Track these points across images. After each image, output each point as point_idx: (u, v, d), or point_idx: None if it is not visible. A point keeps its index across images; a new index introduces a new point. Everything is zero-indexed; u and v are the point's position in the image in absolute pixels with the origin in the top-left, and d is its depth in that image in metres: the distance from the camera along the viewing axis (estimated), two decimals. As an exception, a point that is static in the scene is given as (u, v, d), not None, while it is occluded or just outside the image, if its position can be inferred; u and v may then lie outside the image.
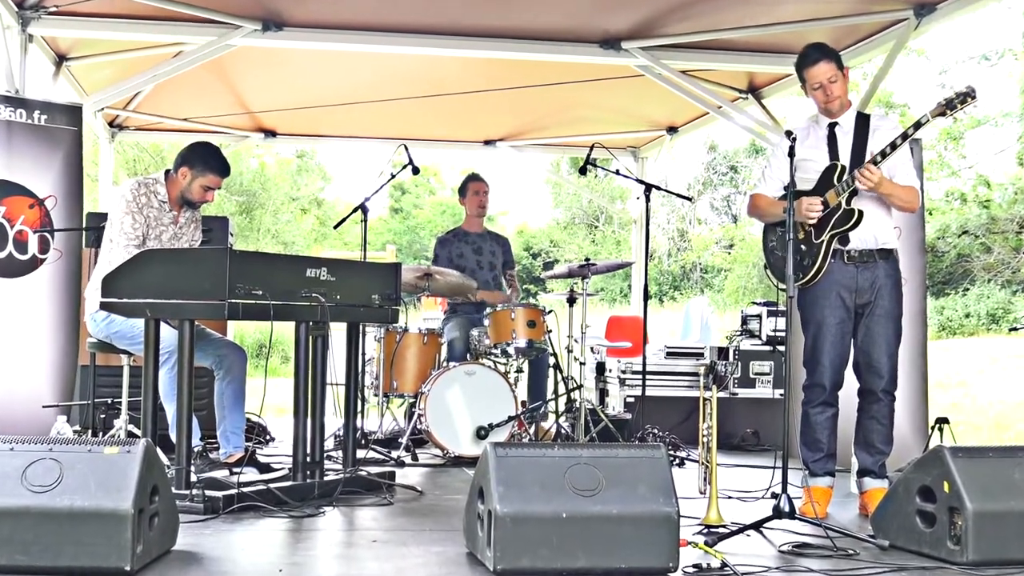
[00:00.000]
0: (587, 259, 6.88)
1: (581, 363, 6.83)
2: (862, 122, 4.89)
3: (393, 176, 7.04)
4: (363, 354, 6.74)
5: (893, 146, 4.57)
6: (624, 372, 7.92)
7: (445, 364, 6.76)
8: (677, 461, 6.49)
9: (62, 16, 6.70)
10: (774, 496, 4.29)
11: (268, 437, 7.21)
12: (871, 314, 4.82)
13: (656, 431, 6.95)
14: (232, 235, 7.13)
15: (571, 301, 6.97)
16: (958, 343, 20.01)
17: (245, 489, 4.52)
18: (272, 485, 4.66)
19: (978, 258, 23.83)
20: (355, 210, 7.00)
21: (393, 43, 7.07)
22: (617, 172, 7.68)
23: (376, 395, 6.93)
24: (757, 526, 4.22)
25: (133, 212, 5.32)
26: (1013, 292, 22.61)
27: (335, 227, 8.03)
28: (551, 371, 7.09)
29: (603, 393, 8.31)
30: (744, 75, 8.01)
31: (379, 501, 4.88)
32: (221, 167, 5.57)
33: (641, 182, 7.43)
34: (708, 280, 30.65)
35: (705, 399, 4.67)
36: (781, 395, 7.64)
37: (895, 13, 6.48)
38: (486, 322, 6.84)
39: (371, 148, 10.94)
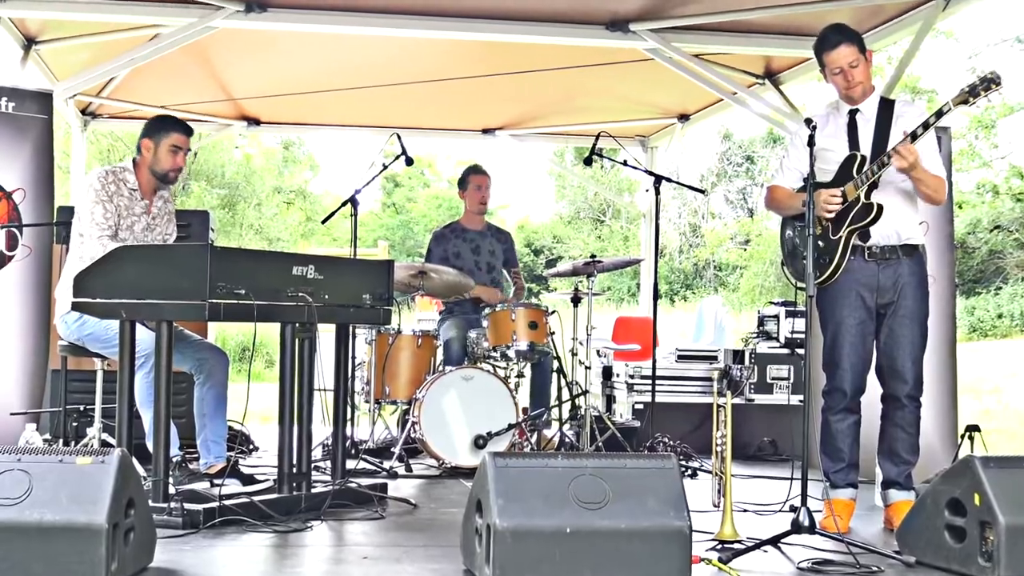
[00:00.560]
0: (593, 256, 6.87)
1: (586, 367, 6.83)
2: (885, 109, 4.88)
3: (385, 167, 7.03)
4: (353, 358, 6.73)
5: (914, 136, 4.56)
6: (632, 377, 7.93)
7: (441, 368, 6.76)
8: (689, 472, 6.49)
9: (31, -5, 6.71)
10: (793, 509, 4.29)
11: (251, 446, 7.21)
12: (894, 314, 4.82)
13: (667, 440, 6.94)
14: (213, 230, 7.12)
15: (576, 301, 6.97)
16: (990, 345, 20.02)
17: (227, 502, 4.52)
18: (256, 498, 4.67)
19: (1011, 254, 23.84)
20: (344, 204, 6.99)
21: (385, 25, 7.07)
22: (625, 163, 7.68)
23: (367, 402, 6.94)
24: (775, 541, 4.22)
25: (103, 201, 5.33)
26: (1049, 291, 22.64)
27: (323, 222, 8.01)
28: (554, 376, 7.09)
29: (610, 399, 8.31)
30: (761, 59, 8.02)
31: (370, 515, 4.88)
32: (182, 126, 5.62)
33: (651, 173, 7.43)
34: (722, 278, 30.67)
35: (719, 406, 4.67)
36: (800, 401, 7.62)
37: (922, -8, 6.49)
38: (485, 323, 6.84)
39: (362, 137, 10.95)
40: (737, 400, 7.73)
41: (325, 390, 5.35)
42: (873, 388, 4.95)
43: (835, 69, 4.84)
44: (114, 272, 4.51)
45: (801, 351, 7.69)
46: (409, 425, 6.47)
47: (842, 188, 4.76)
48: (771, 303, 8.76)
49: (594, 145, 6.93)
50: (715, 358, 8.17)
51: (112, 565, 3.30)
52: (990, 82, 4.38)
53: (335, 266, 5.04)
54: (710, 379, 7.87)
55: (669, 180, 7.34)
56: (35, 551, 3.26)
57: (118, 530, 3.36)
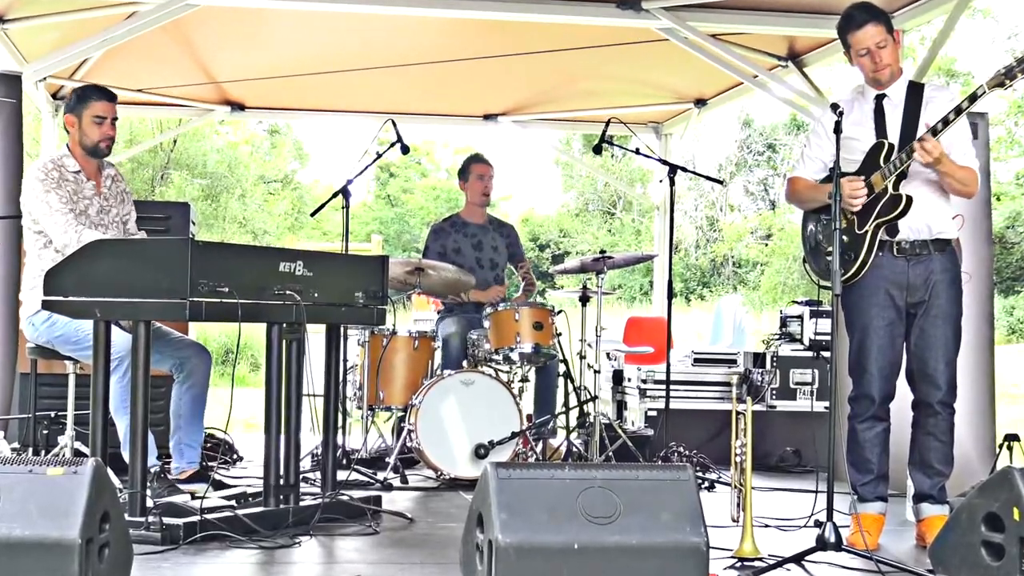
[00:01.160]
0: (602, 251, 6.88)
1: (596, 371, 6.84)
2: (914, 93, 4.88)
3: (379, 156, 7.04)
4: (345, 361, 6.74)
5: (946, 122, 4.55)
6: (645, 382, 7.93)
7: (439, 372, 6.76)
8: (706, 484, 6.50)
9: (-2, -29, 6.72)
10: (818, 524, 4.30)
11: (235, 456, 7.22)
12: (925, 314, 4.83)
13: (682, 449, 6.95)
14: (194, 223, 7.14)
15: (584, 300, 6.98)
16: (1030, 348, 20.01)
17: (209, 516, 4.53)
18: (240, 511, 4.67)
19: (1054, 250, 23.84)
20: (335, 195, 7.01)
21: (380, 1, 7.06)
22: (637, 151, 7.68)
23: (360, 408, 6.94)
24: (798, 559, 4.23)
25: (53, 189, 5.36)
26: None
27: (312, 214, 8.04)
28: (561, 380, 7.10)
29: (621, 406, 8.32)
30: (783, 39, 8.00)
31: (363, 530, 4.89)
32: (102, 91, 5.64)
33: (665, 163, 7.43)
34: (742, 276, 30.67)
35: (738, 413, 4.67)
36: (826, 408, 7.64)
37: (957, -33, 6.49)
38: (486, 324, 6.85)
39: (354, 123, 10.96)
40: (758, 407, 7.72)
41: (314, 395, 5.36)
42: (903, 394, 4.95)
43: (861, 50, 4.84)
44: (87, 268, 4.52)
45: (827, 354, 7.69)
46: (405, 433, 6.48)
47: (867, 178, 4.75)
48: (794, 302, 8.75)
49: (604, 132, 6.93)
50: (734, 361, 8.17)
51: (85, 583, 3.31)
52: (1029, 63, 4.37)
53: (325, 262, 5.04)
54: (729, 384, 7.86)
55: (684, 170, 7.34)
56: (2, 568, 3.26)
57: (92, 546, 3.36)
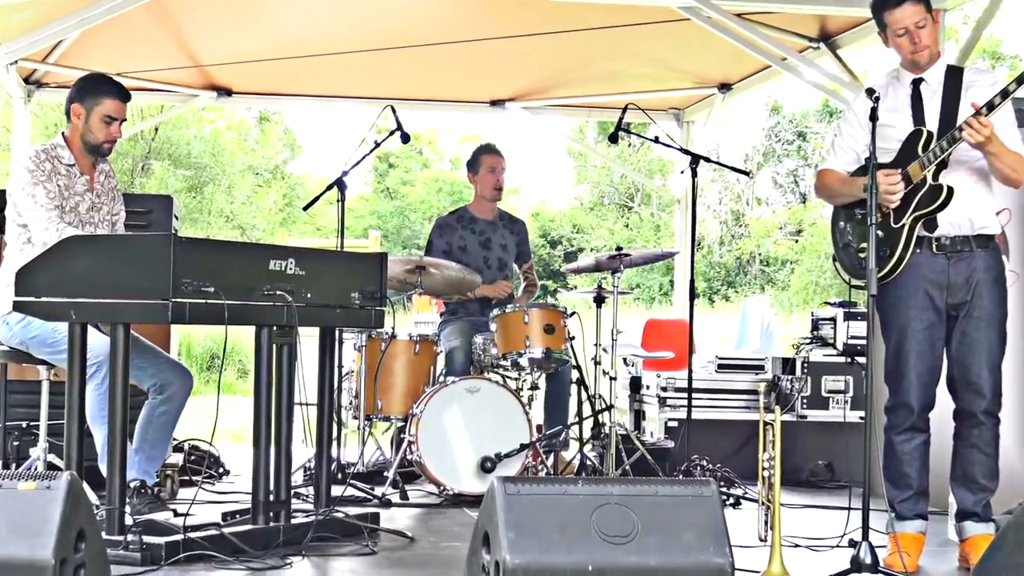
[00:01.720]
0: (619, 248, 6.88)
1: (611, 378, 6.84)
2: (953, 77, 4.87)
3: (377, 145, 7.05)
4: (340, 367, 6.75)
5: (991, 106, 4.54)
6: (665, 389, 7.93)
7: (442, 379, 6.77)
8: (731, 500, 6.50)
9: (-35, -54, 6.73)
10: (852, 544, 4.30)
11: (221, 470, 7.23)
12: (968, 316, 4.81)
13: (705, 463, 6.95)
14: (177, 218, 7.15)
15: (599, 301, 6.98)
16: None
17: (193, 535, 4.53)
18: (227, 530, 4.68)
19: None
20: (330, 187, 7.01)
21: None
22: (656, 140, 7.69)
23: (356, 418, 6.94)
24: (830, 582, 4.23)
25: (42, 182, 5.36)
26: None
27: (305, 208, 8.05)
28: (574, 388, 7.10)
29: (639, 415, 8.31)
30: (815, 19, 8.00)
31: (359, 549, 4.89)
32: (117, 89, 5.62)
33: (686, 152, 7.43)
34: (770, 275, 30.65)
35: (766, 423, 4.67)
36: (861, 419, 7.62)
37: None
38: (493, 327, 6.84)
39: (350, 110, 10.98)
40: (787, 417, 7.72)
41: (307, 404, 5.36)
42: (944, 403, 4.94)
43: (899, 30, 4.83)
44: (62, 266, 4.53)
45: (862, 360, 7.68)
46: (405, 445, 6.48)
47: (903, 169, 4.74)
48: (827, 303, 8.75)
49: (620, 119, 6.93)
50: (761, 368, 8.16)
51: (60, 607, 3.32)
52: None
53: (319, 260, 5.05)
54: (756, 392, 7.86)
55: (708, 160, 7.33)
56: (-29, 590, 3.28)
57: (66, 566, 3.37)
